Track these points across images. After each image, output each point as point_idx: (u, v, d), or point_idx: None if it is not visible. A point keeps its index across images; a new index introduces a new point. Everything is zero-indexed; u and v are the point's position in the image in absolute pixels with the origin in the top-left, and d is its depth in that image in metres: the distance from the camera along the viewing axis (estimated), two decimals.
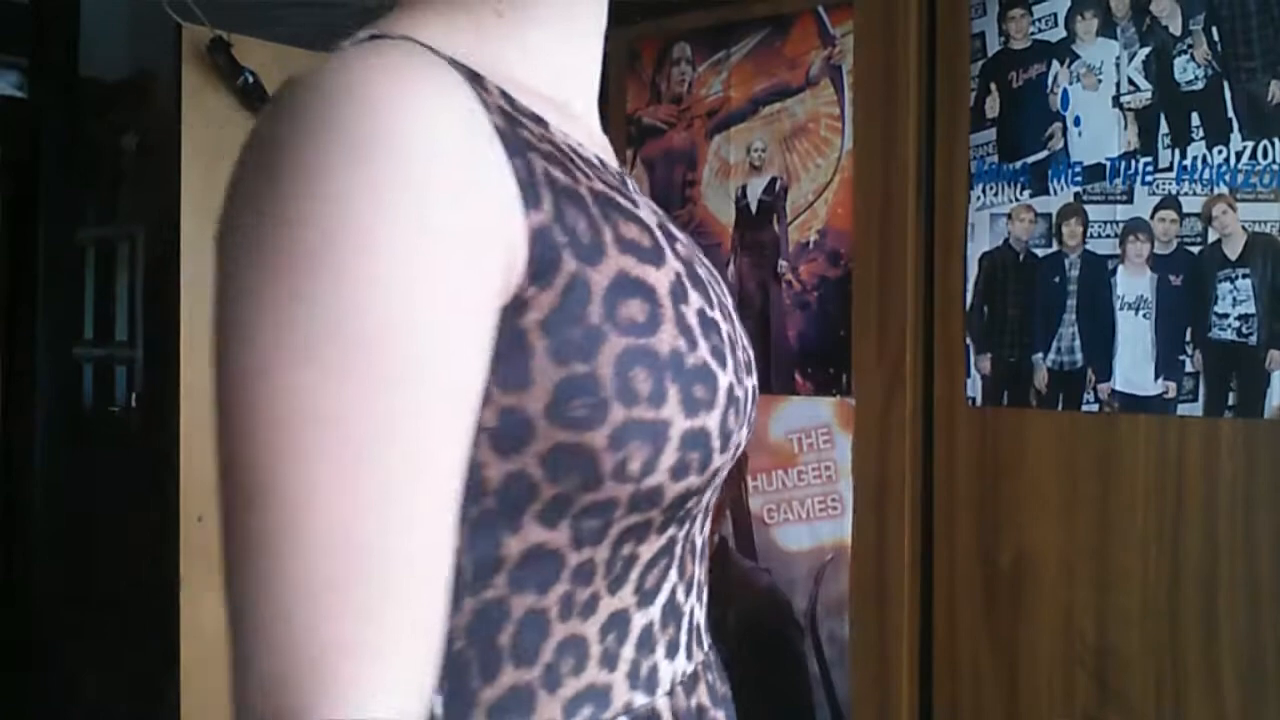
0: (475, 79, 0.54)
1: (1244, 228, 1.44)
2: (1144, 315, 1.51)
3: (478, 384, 0.49)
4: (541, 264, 0.51)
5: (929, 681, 1.69)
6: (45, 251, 2.33)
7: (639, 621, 0.59)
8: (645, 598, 0.59)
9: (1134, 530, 1.51)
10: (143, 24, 2.14)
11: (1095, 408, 1.55)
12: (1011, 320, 1.63)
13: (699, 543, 0.65)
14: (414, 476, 0.46)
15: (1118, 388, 1.53)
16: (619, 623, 0.58)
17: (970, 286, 1.66)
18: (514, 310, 0.50)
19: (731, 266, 1.89)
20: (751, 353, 0.65)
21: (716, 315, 0.59)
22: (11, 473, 2.40)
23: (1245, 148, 1.44)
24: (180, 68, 1.95)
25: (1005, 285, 1.64)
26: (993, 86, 1.64)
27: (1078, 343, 1.57)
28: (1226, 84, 1.45)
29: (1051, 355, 1.59)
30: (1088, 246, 1.56)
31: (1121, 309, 1.53)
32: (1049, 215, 1.60)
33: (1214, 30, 1.46)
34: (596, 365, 0.51)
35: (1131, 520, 1.51)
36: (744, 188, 1.88)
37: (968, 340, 1.66)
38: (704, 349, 0.56)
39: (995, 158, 1.64)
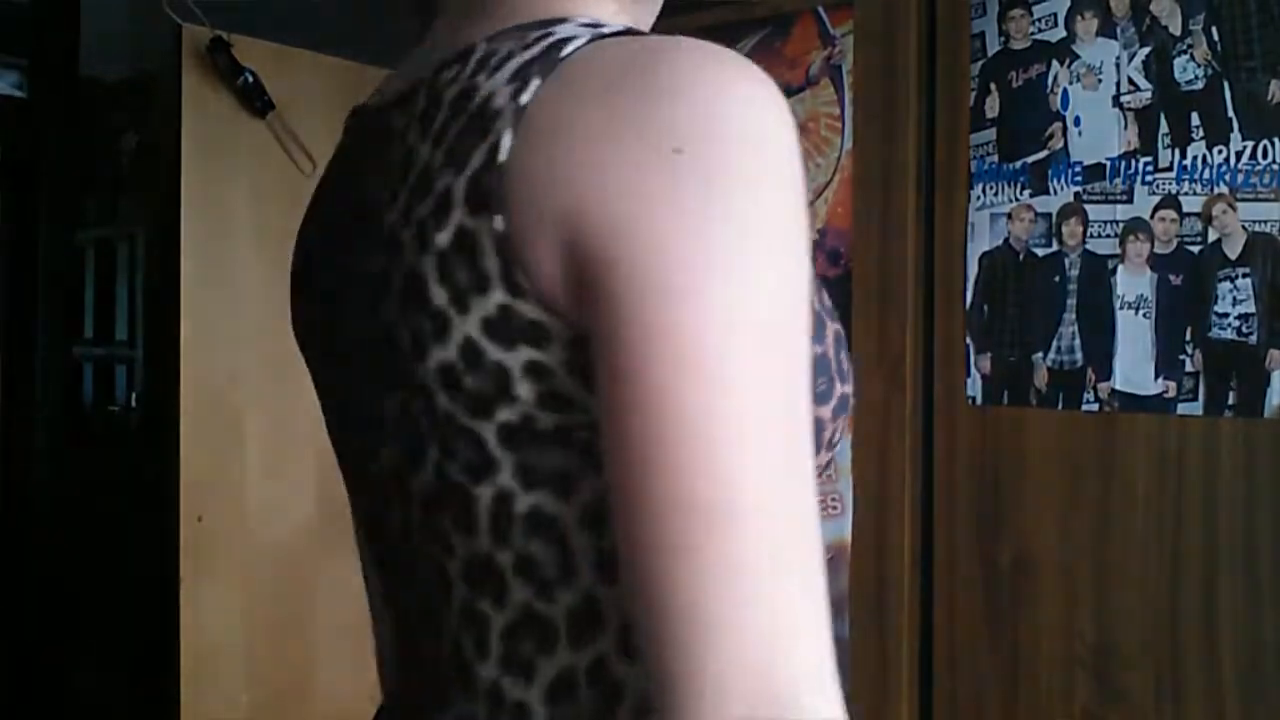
0: None
1: (1244, 227, 1.44)
2: (1144, 315, 1.51)
3: None
4: None
5: (929, 681, 1.69)
6: (45, 251, 2.33)
7: None
8: None
9: (1134, 530, 1.51)
10: (143, 24, 2.14)
11: (1095, 407, 1.55)
12: (1011, 319, 1.63)
13: None
14: (811, 456, 0.47)
15: (1118, 387, 1.53)
16: None
17: (970, 286, 1.66)
18: None
19: None
20: None
21: None
22: (11, 473, 2.40)
23: (1245, 147, 1.44)
24: (180, 68, 1.95)
25: (1005, 285, 1.64)
26: (993, 86, 1.64)
27: (1078, 342, 1.57)
28: (1226, 84, 1.45)
29: (1051, 354, 1.59)
30: (1088, 246, 1.56)
31: (1121, 308, 1.53)
32: (1049, 215, 1.60)
33: (1214, 30, 1.46)
34: (826, 346, 0.57)
35: (1131, 520, 1.51)
36: None
37: (968, 340, 1.66)
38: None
39: (995, 157, 1.64)
